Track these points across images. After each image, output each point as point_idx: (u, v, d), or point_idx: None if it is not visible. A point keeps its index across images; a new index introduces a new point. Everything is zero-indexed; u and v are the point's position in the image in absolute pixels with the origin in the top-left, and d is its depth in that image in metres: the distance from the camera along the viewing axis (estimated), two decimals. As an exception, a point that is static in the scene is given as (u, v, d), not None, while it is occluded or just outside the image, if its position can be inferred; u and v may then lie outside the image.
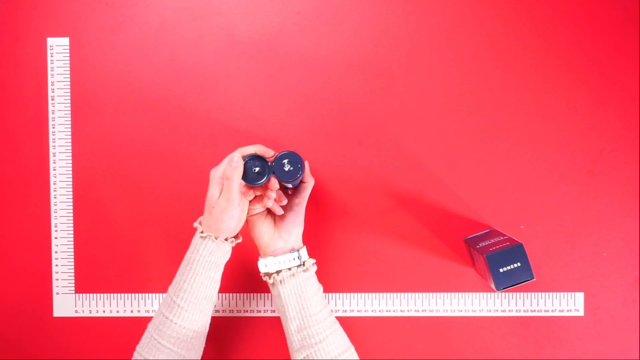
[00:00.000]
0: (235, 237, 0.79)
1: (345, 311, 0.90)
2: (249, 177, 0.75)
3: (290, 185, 0.79)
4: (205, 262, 0.75)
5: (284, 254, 0.78)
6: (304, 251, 0.79)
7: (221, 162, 0.76)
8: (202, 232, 0.76)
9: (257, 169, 0.74)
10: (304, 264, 0.78)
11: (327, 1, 0.89)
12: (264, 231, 0.79)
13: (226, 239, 0.77)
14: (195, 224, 0.78)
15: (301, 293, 0.76)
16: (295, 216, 0.79)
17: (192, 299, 0.75)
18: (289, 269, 0.77)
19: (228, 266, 0.90)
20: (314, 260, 0.79)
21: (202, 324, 0.77)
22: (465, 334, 0.89)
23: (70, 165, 0.90)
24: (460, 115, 0.89)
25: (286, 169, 0.75)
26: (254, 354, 0.90)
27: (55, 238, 0.90)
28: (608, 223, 0.88)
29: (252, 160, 0.75)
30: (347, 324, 0.87)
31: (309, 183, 0.80)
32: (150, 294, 0.90)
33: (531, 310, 0.89)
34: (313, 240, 0.89)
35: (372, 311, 0.90)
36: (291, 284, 0.77)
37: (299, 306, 0.76)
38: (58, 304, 0.91)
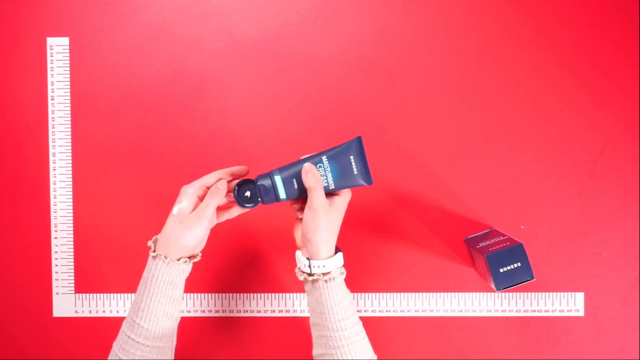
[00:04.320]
0: (192, 257, 0.75)
1: (345, 311, 0.90)
2: (241, 200, 0.74)
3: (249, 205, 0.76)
4: (160, 282, 0.72)
5: (306, 257, 0.75)
6: (329, 262, 0.73)
7: (195, 181, 0.74)
8: (153, 251, 0.73)
9: (248, 193, 0.74)
10: (326, 274, 0.73)
11: (327, 1, 0.89)
12: (297, 235, 0.77)
13: (179, 259, 0.73)
14: (149, 243, 0.75)
15: (320, 300, 0.74)
16: (303, 227, 0.74)
17: (152, 318, 0.72)
18: (311, 274, 0.74)
19: (229, 266, 0.90)
20: (341, 270, 0.74)
21: (166, 339, 0.74)
22: (465, 334, 0.89)
23: (70, 165, 0.90)
24: (460, 115, 0.89)
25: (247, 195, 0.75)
26: (254, 354, 0.90)
27: (55, 238, 0.90)
28: (608, 223, 0.88)
29: (244, 184, 0.74)
30: (347, 324, 0.87)
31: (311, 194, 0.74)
32: (150, 294, 0.90)
33: (531, 310, 0.89)
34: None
35: (372, 311, 0.90)
36: (312, 289, 0.74)
37: (319, 311, 0.74)
38: (58, 304, 0.91)
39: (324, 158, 0.73)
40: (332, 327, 0.73)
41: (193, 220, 0.72)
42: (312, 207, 0.72)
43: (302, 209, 0.76)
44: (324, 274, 0.73)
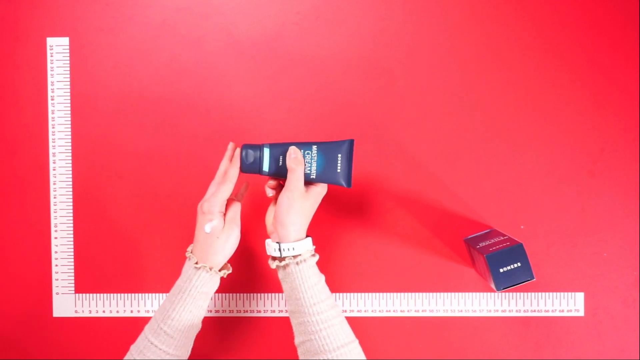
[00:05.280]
0: (226, 267, 0.80)
1: (345, 311, 0.90)
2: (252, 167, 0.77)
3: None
4: (198, 292, 0.76)
5: (276, 242, 0.77)
6: (299, 244, 0.76)
7: (213, 197, 0.76)
8: (196, 263, 0.76)
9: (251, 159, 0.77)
10: (296, 257, 0.75)
11: (327, 1, 0.89)
12: (268, 219, 0.80)
13: (219, 270, 0.78)
14: (188, 254, 0.77)
15: (293, 285, 0.75)
16: (277, 208, 0.77)
17: (180, 327, 0.75)
18: (281, 259, 0.76)
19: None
20: (311, 252, 0.76)
21: (186, 350, 0.77)
22: (465, 334, 0.89)
23: (70, 165, 0.90)
24: (460, 115, 0.89)
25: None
26: (254, 354, 0.90)
27: (55, 238, 0.90)
28: (608, 223, 0.88)
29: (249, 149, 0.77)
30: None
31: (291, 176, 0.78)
32: (150, 294, 0.90)
33: (531, 310, 0.89)
34: (313, 240, 0.88)
35: (372, 311, 0.90)
36: (285, 275, 0.76)
37: (294, 297, 0.75)
38: (58, 304, 0.91)
39: (314, 147, 0.77)
40: (308, 312, 0.74)
41: (230, 232, 0.77)
42: (289, 188, 0.75)
43: (275, 188, 0.79)
44: (294, 257, 0.75)
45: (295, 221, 0.75)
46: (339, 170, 0.76)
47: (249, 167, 0.77)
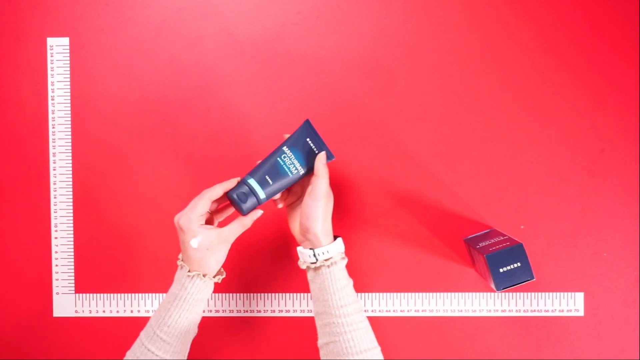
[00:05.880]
0: (220, 272, 0.79)
1: (345, 311, 0.90)
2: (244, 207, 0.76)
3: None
4: (193, 299, 0.76)
5: (309, 248, 0.77)
6: (332, 247, 0.76)
7: (191, 212, 0.75)
8: (189, 272, 0.76)
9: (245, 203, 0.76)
10: (328, 259, 0.76)
11: (327, 1, 0.89)
12: (294, 225, 0.80)
13: (214, 276, 0.78)
14: (179, 262, 0.77)
15: (323, 286, 0.76)
16: (304, 220, 0.77)
17: (176, 333, 0.75)
18: (313, 262, 0.76)
19: (229, 265, 0.90)
20: (342, 255, 0.77)
21: (182, 355, 0.77)
22: (465, 334, 0.89)
23: (70, 165, 0.90)
24: (460, 115, 0.89)
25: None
26: (255, 354, 0.90)
27: (55, 238, 0.90)
28: (608, 223, 0.88)
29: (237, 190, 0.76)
30: (347, 324, 0.87)
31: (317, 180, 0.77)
32: (150, 294, 0.90)
33: (531, 310, 0.89)
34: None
35: (372, 311, 0.90)
36: (315, 276, 0.77)
37: (322, 298, 0.76)
38: (58, 304, 0.91)
39: (285, 148, 0.77)
40: (335, 314, 0.75)
41: (220, 244, 0.76)
42: (316, 197, 0.75)
43: (290, 204, 0.80)
44: (326, 260, 0.76)
45: (325, 226, 0.76)
46: (317, 152, 0.77)
47: (250, 206, 0.76)
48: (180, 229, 0.75)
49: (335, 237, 0.78)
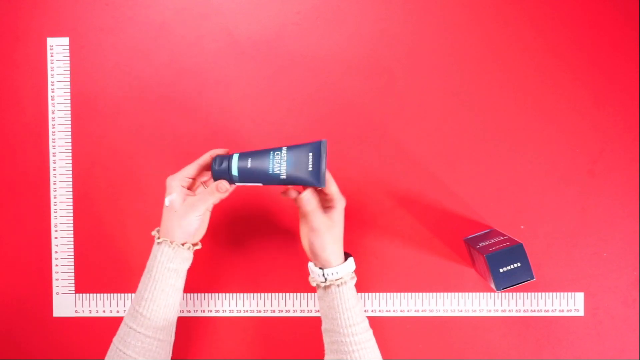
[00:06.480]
0: (195, 244, 0.78)
1: (345, 311, 0.90)
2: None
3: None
4: (165, 269, 0.75)
5: (319, 267, 0.77)
6: (342, 267, 0.76)
7: (178, 172, 0.77)
8: (158, 239, 0.76)
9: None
10: (338, 279, 0.76)
11: (327, 1, 0.89)
12: (304, 242, 0.79)
13: (183, 244, 0.76)
14: (153, 232, 0.77)
15: (332, 304, 0.76)
16: (311, 247, 0.77)
17: (155, 307, 0.75)
18: (322, 282, 0.76)
19: (229, 266, 0.90)
20: (352, 275, 0.77)
21: (166, 332, 0.76)
22: (465, 334, 0.89)
23: (70, 165, 0.90)
24: (460, 115, 0.89)
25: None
26: (255, 354, 0.90)
27: (55, 238, 0.90)
28: (608, 223, 0.88)
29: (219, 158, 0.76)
30: (347, 324, 0.87)
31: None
32: (150, 294, 0.90)
33: (531, 310, 0.89)
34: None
35: (372, 311, 0.90)
36: (324, 294, 0.77)
37: (331, 316, 0.76)
38: (58, 304, 0.91)
39: (285, 149, 0.75)
40: (343, 332, 0.75)
41: (187, 208, 0.75)
42: (314, 229, 0.75)
43: (302, 215, 0.78)
44: (336, 280, 0.76)
45: (333, 251, 0.76)
46: (310, 169, 0.73)
47: (219, 172, 0.75)
48: (166, 185, 0.77)
49: (347, 256, 0.78)
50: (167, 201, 0.76)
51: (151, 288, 0.75)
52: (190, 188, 0.78)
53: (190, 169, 0.77)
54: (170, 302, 0.76)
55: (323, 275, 0.76)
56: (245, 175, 0.75)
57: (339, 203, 0.76)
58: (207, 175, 0.79)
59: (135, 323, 0.74)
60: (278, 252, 0.90)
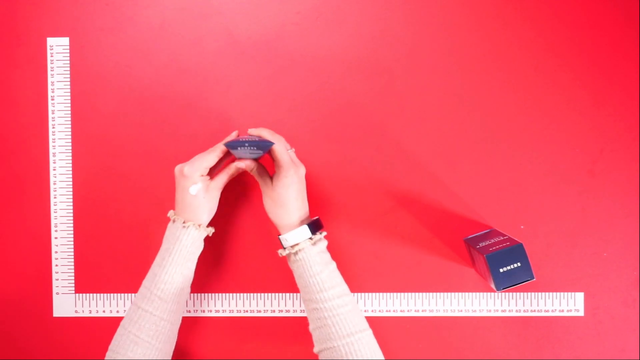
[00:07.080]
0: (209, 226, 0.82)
1: (345, 311, 0.90)
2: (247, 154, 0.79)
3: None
4: (187, 252, 0.78)
5: (285, 232, 0.79)
6: (291, 234, 0.77)
7: (196, 163, 0.79)
8: (184, 222, 0.78)
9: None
10: (294, 246, 0.77)
11: (327, 1, 0.89)
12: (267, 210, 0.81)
13: (207, 226, 0.80)
14: (172, 216, 0.79)
15: (298, 273, 0.78)
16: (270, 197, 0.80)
17: (172, 290, 0.77)
18: (292, 246, 0.77)
19: (229, 266, 0.90)
20: (312, 241, 0.77)
21: (177, 317, 0.78)
22: (465, 334, 0.89)
23: (70, 165, 0.90)
24: (460, 115, 0.89)
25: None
26: (254, 354, 0.90)
27: (55, 238, 0.90)
28: (608, 223, 0.88)
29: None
30: (347, 324, 0.87)
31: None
32: (150, 294, 0.90)
33: (531, 310, 0.89)
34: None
35: (372, 311, 0.90)
36: (290, 263, 0.79)
37: (301, 284, 0.77)
38: (58, 304, 0.91)
39: (247, 143, 0.78)
40: (315, 299, 0.76)
41: (213, 194, 0.79)
42: (263, 194, 0.80)
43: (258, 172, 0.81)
44: (292, 247, 0.77)
45: (279, 215, 0.78)
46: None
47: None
48: (182, 175, 0.78)
49: (312, 222, 0.78)
50: (193, 190, 0.78)
51: (171, 271, 0.77)
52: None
53: (211, 159, 0.79)
54: (185, 286, 0.78)
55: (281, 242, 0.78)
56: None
57: (283, 169, 0.77)
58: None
59: (152, 306, 0.76)
60: (276, 252, 0.90)
